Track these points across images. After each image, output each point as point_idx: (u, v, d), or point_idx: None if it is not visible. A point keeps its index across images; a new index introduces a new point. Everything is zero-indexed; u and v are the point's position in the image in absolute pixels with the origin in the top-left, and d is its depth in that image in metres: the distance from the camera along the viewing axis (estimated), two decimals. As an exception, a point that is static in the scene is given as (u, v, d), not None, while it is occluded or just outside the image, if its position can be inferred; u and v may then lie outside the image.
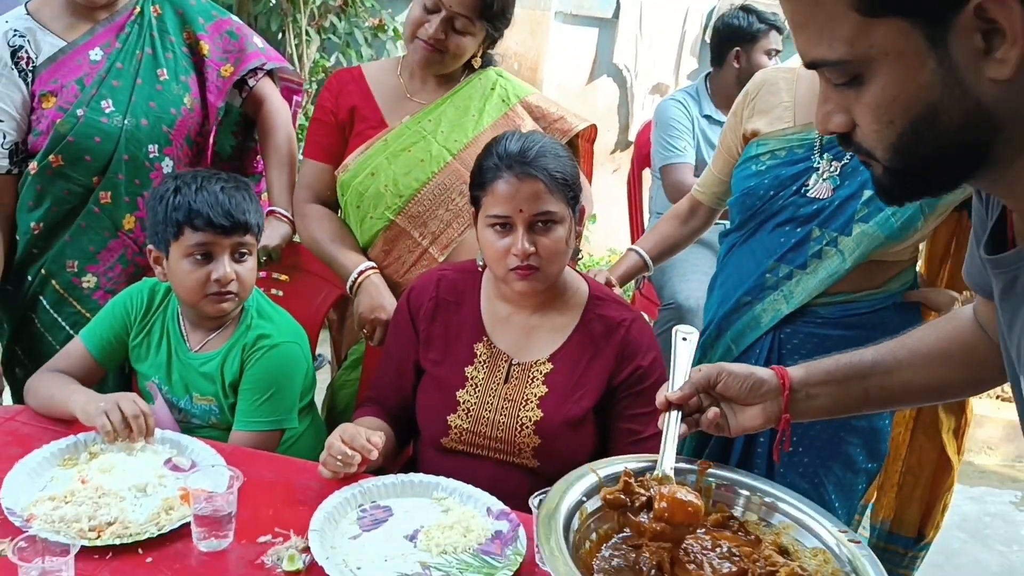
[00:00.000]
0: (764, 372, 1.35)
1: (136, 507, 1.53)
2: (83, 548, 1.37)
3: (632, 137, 4.49)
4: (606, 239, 5.34)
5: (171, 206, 1.82)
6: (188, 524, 1.47)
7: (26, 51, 2.05)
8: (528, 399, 1.80)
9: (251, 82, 2.28)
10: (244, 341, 1.91)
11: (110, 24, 2.13)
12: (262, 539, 1.49)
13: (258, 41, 2.33)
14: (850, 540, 1.32)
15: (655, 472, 1.32)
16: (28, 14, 2.10)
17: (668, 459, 1.32)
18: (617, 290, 2.17)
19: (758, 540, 1.37)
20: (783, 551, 1.34)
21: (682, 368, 1.40)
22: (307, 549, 1.45)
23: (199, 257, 1.83)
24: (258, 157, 2.45)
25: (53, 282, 2.15)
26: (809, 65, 0.86)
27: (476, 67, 2.20)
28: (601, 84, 5.23)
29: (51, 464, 1.63)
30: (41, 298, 2.16)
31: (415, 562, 1.46)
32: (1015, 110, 0.78)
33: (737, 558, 1.29)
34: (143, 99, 2.11)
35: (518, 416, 1.79)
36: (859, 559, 1.29)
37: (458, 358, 1.85)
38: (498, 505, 1.60)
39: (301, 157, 2.29)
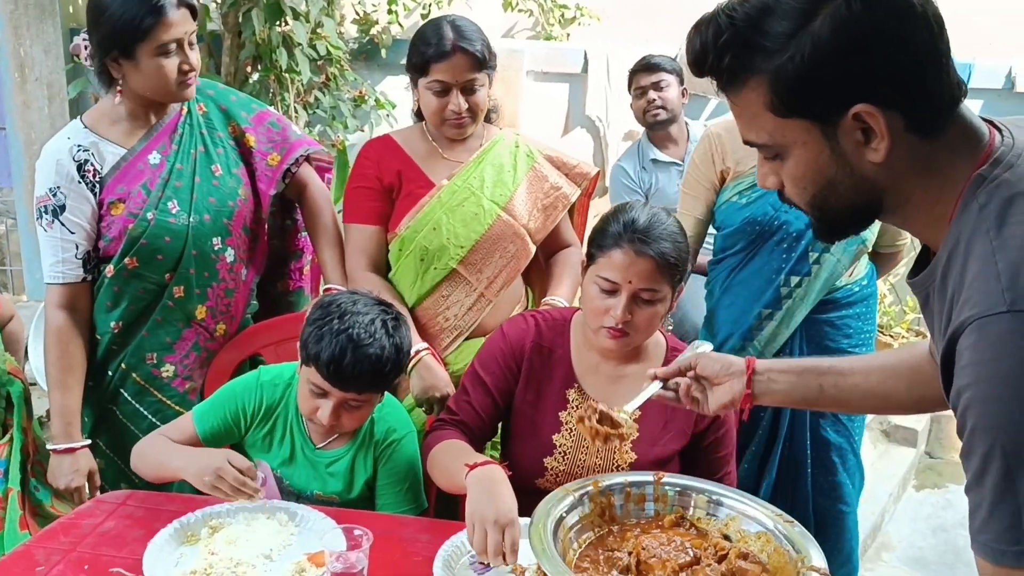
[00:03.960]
0: (735, 357, 1.61)
1: (268, 573, 1.66)
2: (235, 614, 1.50)
3: (608, 183, 4.69)
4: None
5: (311, 336, 1.83)
6: (324, 584, 1.60)
7: (91, 164, 2.17)
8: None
9: (293, 168, 2.42)
10: (374, 439, 1.98)
11: (163, 127, 2.25)
12: (392, 590, 1.62)
13: (297, 129, 2.49)
14: (786, 521, 1.62)
15: (620, 411, 1.66)
16: (86, 127, 2.21)
17: (632, 405, 1.65)
18: None
19: (706, 534, 1.68)
20: (727, 539, 1.65)
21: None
22: (436, 594, 1.59)
23: (314, 389, 1.86)
24: (299, 235, 2.59)
25: (134, 375, 2.26)
26: (745, 143, 1.16)
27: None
28: (576, 135, 5.45)
29: (176, 543, 1.75)
30: (122, 391, 2.27)
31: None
32: (891, 180, 1.09)
33: (689, 548, 1.60)
34: (203, 196, 2.25)
35: (613, 459, 1.93)
36: (795, 535, 1.59)
37: (552, 403, 1.97)
38: None
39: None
